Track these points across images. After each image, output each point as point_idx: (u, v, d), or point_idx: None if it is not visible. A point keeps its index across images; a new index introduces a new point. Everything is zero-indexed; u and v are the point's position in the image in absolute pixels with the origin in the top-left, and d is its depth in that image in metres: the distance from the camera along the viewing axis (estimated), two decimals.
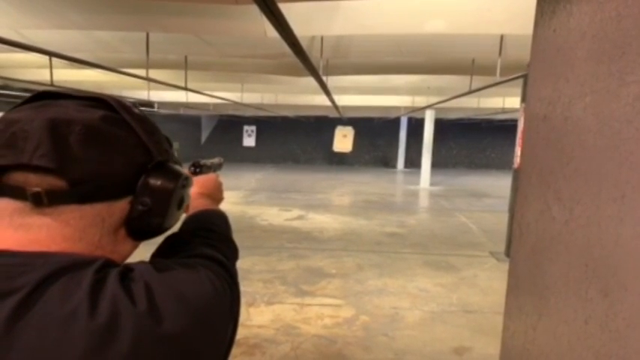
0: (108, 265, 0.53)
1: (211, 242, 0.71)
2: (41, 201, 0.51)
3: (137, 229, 0.59)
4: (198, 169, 1.04)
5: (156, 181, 0.58)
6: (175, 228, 0.78)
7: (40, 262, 0.50)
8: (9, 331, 0.46)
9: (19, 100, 0.58)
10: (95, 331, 0.47)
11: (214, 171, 1.10)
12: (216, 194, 1.01)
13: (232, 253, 0.76)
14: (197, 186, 0.97)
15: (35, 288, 0.48)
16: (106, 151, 0.54)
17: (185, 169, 0.81)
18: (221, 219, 0.86)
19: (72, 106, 0.56)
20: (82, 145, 0.52)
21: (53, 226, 0.53)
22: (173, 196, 0.60)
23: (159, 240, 0.71)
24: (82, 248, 0.54)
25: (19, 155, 0.50)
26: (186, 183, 0.64)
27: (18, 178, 0.51)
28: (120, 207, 0.57)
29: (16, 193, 0.51)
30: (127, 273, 0.53)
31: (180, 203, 0.64)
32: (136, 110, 0.60)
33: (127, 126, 0.57)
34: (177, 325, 0.51)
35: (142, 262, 0.57)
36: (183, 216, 0.85)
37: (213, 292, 0.57)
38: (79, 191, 0.52)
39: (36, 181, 0.51)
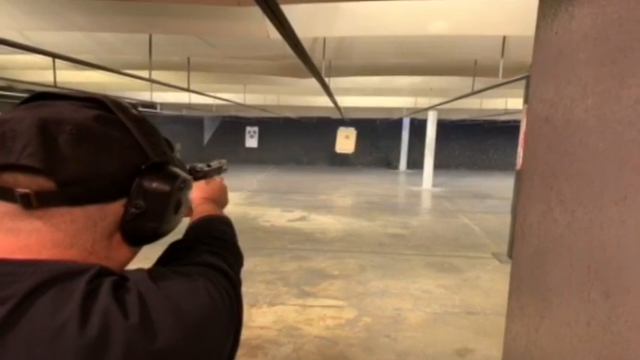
0: (102, 273, 0.51)
1: (215, 250, 0.68)
2: (30, 203, 0.49)
3: (132, 233, 0.57)
4: (200, 174, 1.02)
5: (150, 183, 0.56)
6: (179, 233, 0.77)
7: (30, 271, 0.48)
8: None
9: None
10: (84, 346, 0.45)
11: (218, 174, 1.08)
12: (220, 199, 1.01)
13: (237, 261, 0.74)
14: (201, 191, 0.97)
15: (24, 299, 0.46)
16: (97, 151, 0.52)
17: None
18: (226, 225, 0.84)
19: (66, 106, 0.54)
20: (71, 144, 0.50)
21: (43, 230, 0.51)
22: (169, 199, 0.57)
23: (164, 242, 0.71)
24: (74, 254, 0.52)
25: (8, 155, 0.49)
26: (184, 186, 0.61)
27: (7, 179, 0.49)
28: (113, 210, 0.55)
29: (6, 194, 0.49)
30: (121, 283, 0.51)
31: (178, 207, 0.61)
32: (134, 111, 0.58)
33: (122, 126, 0.55)
34: (170, 340, 0.49)
35: (138, 270, 0.55)
36: (187, 220, 0.83)
37: (210, 304, 0.55)
38: (69, 192, 0.50)
39: (25, 182, 0.49)
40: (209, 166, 1.06)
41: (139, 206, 0.55)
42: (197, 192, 0.96)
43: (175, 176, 0.59)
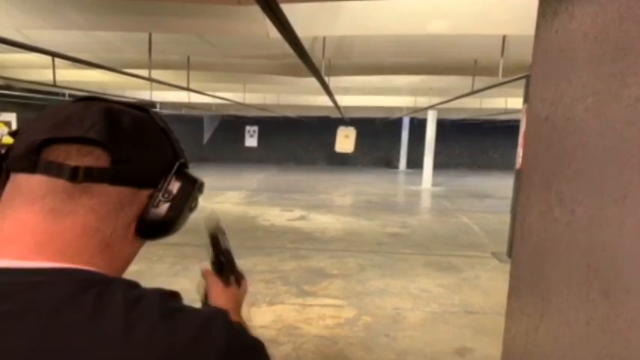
0: (132, 284, 0.53)
1: None
2: (77, 175, 0.53)
3: (152, 221, 0.61)
4: (220, 268, 0.88)
5: (180, 178, 0.63)
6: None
7: (59, 279, 0.50)
8: (34, 350, 0.45)
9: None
10: (129, 357, 0.46)
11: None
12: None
13: None
14: (232, 301, 0.88)
15: (57, 307, 0.47)
16: (147, 140, 0.60)
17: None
18: None
19: (119, 104, 0.62)
20: (128, 130, 0.57)
21: (79, 212, 0.54)
22: (190, 195, 0.64)
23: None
24: (94, 246, 0.55)
25: (74, 130, 0.54)
26: (201, 189, 0.68)
27: (58, 153, 0.53)
28: (140, 198, 0.59)
29: (53, 169, 0.53)
30: (170, 295, 0.55)
31: (192, 206, 0.67)
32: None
33: (161, 129, 0.63)
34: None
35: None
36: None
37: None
38: (118, 170, 0.55)
39: (77, 157, 0.53)
40: (221, 254, 0.89)
41: (168, 195, 0.61)
42: (222, 299, 0.87)
43: (196, 179, 0.66)
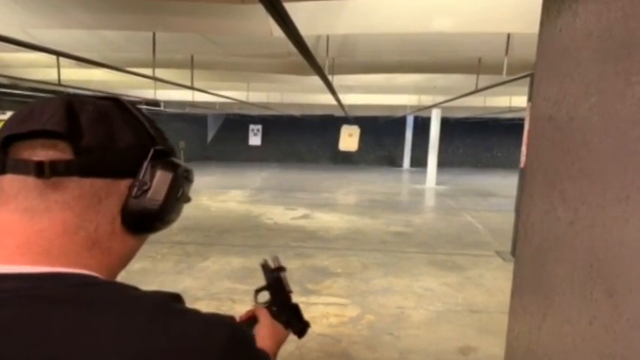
0: (127, 287, 0.52)
1: None
2: (43, 171, 0.51)
3: (135, 212, 0.58)
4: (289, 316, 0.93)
5: (157, 165, 0.59)
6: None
7: (50, 284, 0.49)
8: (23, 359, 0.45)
9: (27, 100, 0.61)
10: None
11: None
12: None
13: None
14: (272, 338, 0.96)
15: (46, 314, 0.46)
16: (114, 128, 0.56)
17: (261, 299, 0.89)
18: None
19: (88, 96, 0.60)
20: (92, 119, 0.55)
21: (55, 209, 0.52)
22: (173, 182, 0.60)
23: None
24: (81, 242, 0.54)
25: (34, 124, 0.52)
26: (187, 175, 0.64)
27: (24, 150, 0.52)
28: (118, 189, 0.57)
29: (20, 166, 0.52)
30: (175, 298, 0.54)
31: (180, 195, 0.63)
32: (145, 113, 0.64)
33: (136, 118, 0.60)
34: None
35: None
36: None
37: None
38: (84, 161, 0.53)
39: (42, 152, 0.52)
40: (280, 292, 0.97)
41: (144, 183, 0.58)
42: (267, 334, 0.95)
43: (178, 164, 0.62)
